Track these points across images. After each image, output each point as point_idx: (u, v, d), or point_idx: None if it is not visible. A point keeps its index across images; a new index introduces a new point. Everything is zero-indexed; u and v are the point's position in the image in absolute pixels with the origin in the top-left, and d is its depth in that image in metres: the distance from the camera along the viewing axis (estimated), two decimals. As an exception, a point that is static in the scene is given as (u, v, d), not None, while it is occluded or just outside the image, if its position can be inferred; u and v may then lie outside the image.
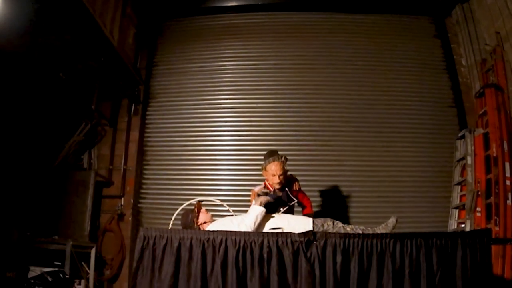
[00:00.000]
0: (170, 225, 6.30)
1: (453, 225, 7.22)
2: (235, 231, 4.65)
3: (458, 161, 7.39)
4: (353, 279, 4.37)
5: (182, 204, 6.58)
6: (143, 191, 8.19)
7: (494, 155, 6.74)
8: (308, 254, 4.44)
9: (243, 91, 8.26)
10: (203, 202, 5.86)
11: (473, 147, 7.06)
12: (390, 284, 4.32)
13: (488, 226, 6.47)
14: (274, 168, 5.44)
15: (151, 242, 4.71)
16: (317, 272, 4.37)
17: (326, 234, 4.50)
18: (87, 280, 7.09)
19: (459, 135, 7.40)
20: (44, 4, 5.69)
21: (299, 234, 4.50)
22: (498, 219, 6.45)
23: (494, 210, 6.50)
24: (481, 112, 7.31)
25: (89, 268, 7.20)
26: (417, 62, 8.28)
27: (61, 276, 6.38)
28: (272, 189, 5.58)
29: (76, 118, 7.63)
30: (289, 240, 4.48)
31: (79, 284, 6.99)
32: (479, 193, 6.75)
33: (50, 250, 6.78)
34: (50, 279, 6.31)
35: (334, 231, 4.91)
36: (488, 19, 7.62)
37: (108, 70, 7.54)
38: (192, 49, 8.66)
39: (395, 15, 8.59)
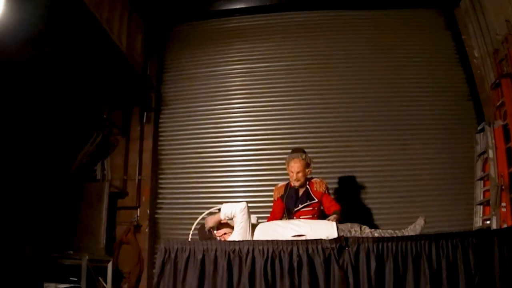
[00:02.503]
0: (190, 235, 6.09)
1: (478, 222, 7.02)
2: (262, 240, 4.49)
3: (479, 155, 7.20)
4: (388, 285, 4.20)
5: (201, 212, 6.35)
6: (159, 201, 8.00)
7: (516, 147, 6.55)
8: (341, 261, 4.29)
9: (257, 94, 8.08)
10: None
11: (493, 140, 6.86)
12: None
13: (515, 221, 6.27)
14: (292, 165, 5.51)
15: (172, 255, 4.58)
16: (350, 279, 4.21)
17: (358, 239, 4.37)
18: (105, 295, 6.95)
19: (479, 128, 7.22)
20: (49, 13, 5.56)
21: (330, 240, 4.36)
22: (524, 214, 6.25)
23: (519, 204, 6.29)
24: (498, 104, 7.09)
25: (106, 283, 7.05)
26: (430, 55, 8.08)
27: (78, 292, 6.22)
28: (294, 186, 5.59)
29: (87, 128, 7.52)
30: (319, 247, 4.33)
31: (97, 299, 6.85)
32: (503, 187, 6.54)
33: (65, 265, 6.67)
34: (66, 296, 6.17)
35: (363, 236, 4.69)
36: (496, 8, 7.43)
37: (118, 77, 7.43)
38: (202, 53, 8.50)
39: (404, 9, 8.41)
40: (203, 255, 4.44)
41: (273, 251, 4.33)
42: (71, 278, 6.57)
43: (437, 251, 4.27)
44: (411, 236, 4.48)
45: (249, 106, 8.05)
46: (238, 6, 8.50)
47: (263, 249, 4.34)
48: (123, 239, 7.69)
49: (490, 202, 6.67)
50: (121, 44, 7.06)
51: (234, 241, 4.52)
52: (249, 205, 6.54)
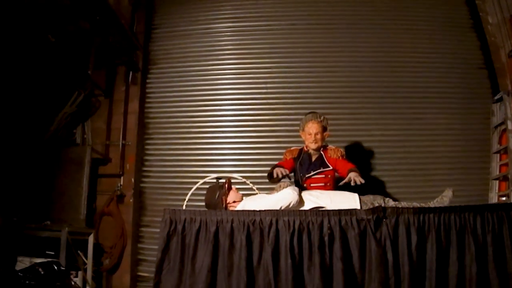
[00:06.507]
0: (184, 207, 5.49)
1: (494, 198, 6.61)
2: (288, 211, 3.91)
3: (496, 127, 6.78)
4: (430, 263, 3.75)
5: (192, 182, 5.97)
6: (145, 168, 7.33)
7: (536, 118, 6.16)
8: (378, 235, 3.78)
9: (254, 54, 7.40)
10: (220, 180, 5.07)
11: (512, 111, 6.46)
12: (474, 266, 3.72)
13: (534, 197, 5.90)
14: (310, 126, 5.16)
15: (179, 227, 3.99)
16: (389, 256, 3.70)
17: (397, 210, 3.85)
18: (85, 271, 6.30)
19: (496, 98, 6.79)
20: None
21: (366, 211, 3.85)
22: (545, 189, 5.89)
23: (539, 179, 5.92)
24: (517, 73, 6.71)
25: (86, 258, 6.42)
26: (442, 20, 7.52)
27: (55, 268, 5.51)
28: (307, 150, 5.23)
29: (67, 86, 6.73)
30: (354, 219, 3.81)
31: (76, 276, 6.18)
32: (522, 161, 6.17)
33: (41, 238, 5.99)
34: (42, 272, 5.41)
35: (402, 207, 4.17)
36: (515, -29, 6.96)
37: (103, 32, 6.72)
38: (195, 9, 7.75)
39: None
40: (217, 228, 3.89)
41: (301, 223, 3.80)
42: (47, 252, 5.88)
43: (482, 224, 3.86)
44: (454, 207, 4.02)
45: (246, 68, 7.40)
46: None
47: (288, 220, 3.80)
48: (105, 210, 7.03)
49: (509, 176, 6.30)
50: (108, -6, 6.36)
51: (254, 211, 3.91)
52: (244, 175, 6.17)
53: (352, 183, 4.49)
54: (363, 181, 4.47)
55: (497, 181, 6.66)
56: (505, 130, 6.52)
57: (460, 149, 6.96)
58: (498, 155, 6.74)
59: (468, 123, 7.06)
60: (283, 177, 4.86)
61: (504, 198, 6.41)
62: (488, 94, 7.10)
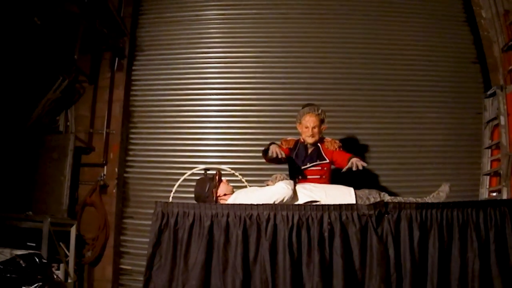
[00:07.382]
0: (171, 199, 5.33)
1: (484, 194, 6.59)
2: (286, 205, 3.77)
3: (488, 122, 6.74)
4: (432, 259, 3.69)
5: (178, 173, 5.86)
6: (129, 158, 7.13)
7: (529, 113, 6.13)
8: (379, 231, 3.68)
9: (244, 43, 7.22)
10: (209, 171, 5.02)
11: (505, 106, 6.40)
12: (476, 262, 3.67)
13: (526, 193, 5.86)
14: (307, 120, 5.05)
15: (171, 220, 3.84)
16: (391, 252, 3.61)
17: (399, 205, 3.76)
18: (67, 263, 6.09)
19: (488, 93, 6.73)
20: None
21: (368, 206, 3.73)
22: (538, 186, 5.85)
23: (533, 175, 5.88)
24: (511, 68, 6.67)
25: (68, 250, 6.20)
26: (435, 13, 7.43)
27: (37, 260, 5.29)
28: (303, 142, 5.12)
29: (52, 71, 6.48)
30: (355, 214, 3.69)
31: (58, 269, 5.94)
32: (515, 156, 6.12)
33: (21, 229, 5.82)
34: (23, 264, 5.20)
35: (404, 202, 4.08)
36: (510, -36, 6.90)
37: (90, 16, 6.49)
38: (184, -6, 7.56)
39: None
40: (212, 222, 3.74)
41: (300, 218, 3.67)
42: (28, 244, 5.68)
43: (485, 220, 3.80)
44: (457, 202, 3.96)
45: (235, 57, 7.21)
46: None
47: (287, 215, 3.67)
48: (87, 200, 6.83)
49: (501, 172, 6.23)
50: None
51: (251, 204, 3.76)
52: (232, 166, 6.02)
53: (354, 168, 4.42)
54: (365, 165, 4.44)
55: (488, 177, 6.63)
56: (497, 125, 6.48)
57: (451, 143, 6.92)
58: (490, 150, 6.71)
59: (459, 117, 7.01)
60: (277, 158, 4.70)
61: (494, 194, 6.38)
62: (480, 89, 7.07)
